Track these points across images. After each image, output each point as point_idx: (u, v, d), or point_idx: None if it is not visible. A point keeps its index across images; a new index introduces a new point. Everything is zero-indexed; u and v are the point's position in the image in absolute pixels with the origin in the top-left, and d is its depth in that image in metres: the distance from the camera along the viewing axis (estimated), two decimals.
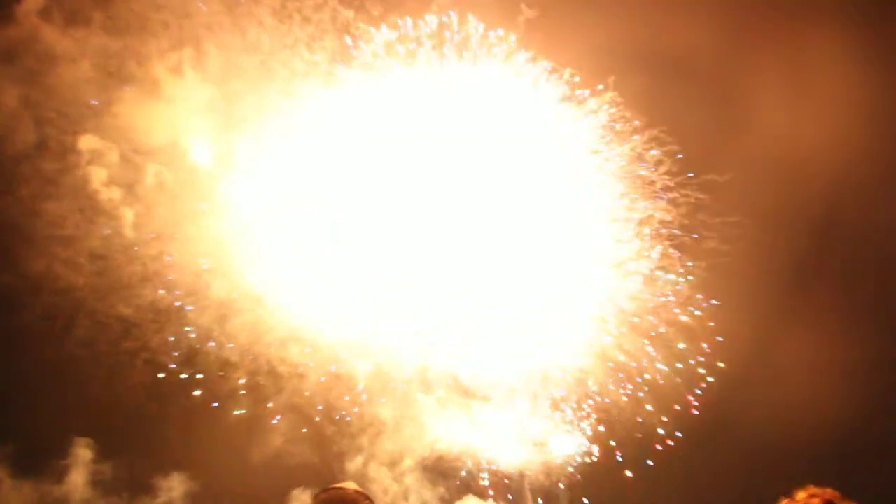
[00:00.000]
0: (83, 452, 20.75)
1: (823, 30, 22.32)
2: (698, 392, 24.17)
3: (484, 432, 25.47)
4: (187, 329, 21.53)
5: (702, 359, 24.11)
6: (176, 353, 21.61)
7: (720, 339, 23.95)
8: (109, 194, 19.27)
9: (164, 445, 22.32)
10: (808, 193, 23.19)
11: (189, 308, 21.35)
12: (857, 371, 23.53)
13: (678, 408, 24.24)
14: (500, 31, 21.65)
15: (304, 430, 23.96)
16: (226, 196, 20.47)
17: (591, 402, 24.83)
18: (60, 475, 20.59)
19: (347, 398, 23.82)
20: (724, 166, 23.01)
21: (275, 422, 23.12)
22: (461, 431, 25.26)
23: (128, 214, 19.59)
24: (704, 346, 23.88)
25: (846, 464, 23.05)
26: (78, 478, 20.48)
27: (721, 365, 23.61)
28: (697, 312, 24.02)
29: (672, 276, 24.14)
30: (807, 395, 22.99)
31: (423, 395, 24.57)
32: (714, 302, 23.88)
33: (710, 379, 24.11)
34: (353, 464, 24.88)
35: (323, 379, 23.43)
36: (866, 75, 22.14)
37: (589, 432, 25.30)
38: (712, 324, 23.64)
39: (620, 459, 24.59)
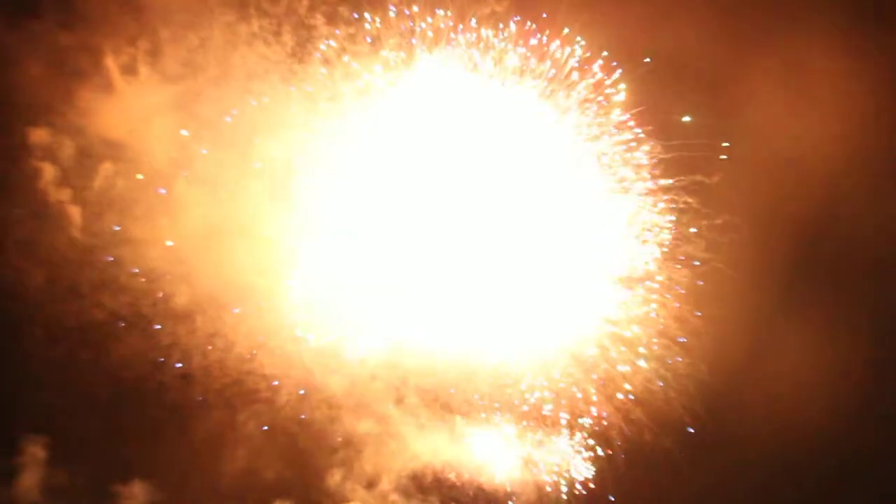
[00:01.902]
0: (36, 451, 20.02)
1: (817, 32, 21.99)
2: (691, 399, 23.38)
3: (468, 448, 24.55)
4: (148, 337, 20.82)
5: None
6: (138, 363, 20.88)
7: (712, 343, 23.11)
8: (60, 196, 18.57)
9: (126, 454, 21.59)
10: (801, 195, 22.65)
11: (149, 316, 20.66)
12: (853, 373, 22.96)
13: (670, 417, 23.37)
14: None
15: (279, 445, 23.26)
16: (183, 198, 19.68)
17: (579, 414, 24.10)
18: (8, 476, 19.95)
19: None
20: (715, 168, 22.40)
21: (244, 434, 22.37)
22: (443, 448, 24.37)
23: (79, 217, 18.83)
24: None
25: (845, 466, 22.94)
26: (30, 479, 19.66)
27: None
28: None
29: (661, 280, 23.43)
30: (803, 399, 22.75)
31: (401, 410, 23.69)
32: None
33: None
34: (332, 480, 24.14)
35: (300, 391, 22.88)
36: (860, 77, 21.87)
37: (580, 448, 24.42)
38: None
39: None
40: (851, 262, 23.54)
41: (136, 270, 20.10)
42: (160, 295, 20.68)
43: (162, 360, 21.21)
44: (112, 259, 19.75)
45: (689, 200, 22.26)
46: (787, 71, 22.43)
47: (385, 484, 24.20)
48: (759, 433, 23.54)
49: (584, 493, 24.15)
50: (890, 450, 23.19)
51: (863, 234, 23.15)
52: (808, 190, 22.52)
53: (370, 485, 24.13)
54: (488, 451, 24.50)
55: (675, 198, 22.31)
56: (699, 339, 22.97)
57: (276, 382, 22.50)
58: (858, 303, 23.53)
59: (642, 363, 23.36)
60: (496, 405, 23.98)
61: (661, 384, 23.38)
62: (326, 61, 19.45)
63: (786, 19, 22.41)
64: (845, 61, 21.74)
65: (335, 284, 21.89)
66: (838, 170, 22.27)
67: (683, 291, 22.92)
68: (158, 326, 20.99)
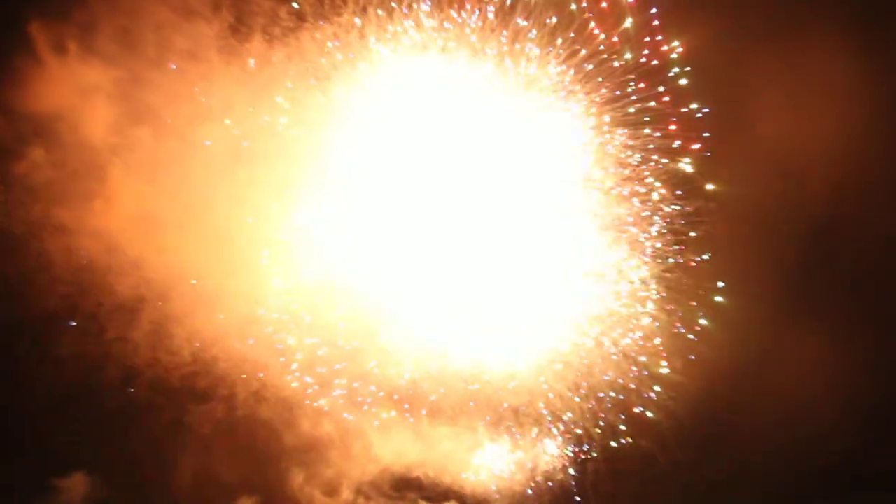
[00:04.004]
0: None
1: (824, 32, 21.15)
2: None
3: (439, 449, 23.57)
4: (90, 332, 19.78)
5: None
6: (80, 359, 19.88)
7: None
8: None
9: (69, 452, 20.71)
10: (807, 195, 21.94)
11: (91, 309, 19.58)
12: (858, 374, 22.13)
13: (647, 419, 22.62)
14: None
15: (235, 446, 22.26)
16: (120, 184, 18.56)
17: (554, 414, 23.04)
18: None
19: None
20: (721, 169, 21.53)
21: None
22: (411, 448, 23.43)
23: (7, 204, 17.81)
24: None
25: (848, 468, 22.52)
26: None
27: None
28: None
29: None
30: (807, 400, 22.15)
31: (364, 410, 22.72)
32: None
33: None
34: (294, 482, 23.19)
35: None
36: (866, 78, 21.12)
37: (557, 448, 23.58)
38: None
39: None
40: (861, 261, 22.81)
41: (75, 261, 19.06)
42: (103, 287, 19.67)
43: (106, 355, 20.27)
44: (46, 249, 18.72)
45: (662, 191, 21.22)
46: (799, 72, 21.72)
47: (349, 484, 23.35)
48: (741, 433, 23.11)
49: (562, 493, 23.55)
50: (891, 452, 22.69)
51: (873, 232, 22.39)
52: (817, 189, 21.91)
53: (333, 488, 23.24)
54: (460, 452, 23.55)
55: (648, 191, 21.26)
56: (676, 339, 22.11)
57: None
58: (868, 301, 22.94)
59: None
60: (470, 404, 23.01)
61: (637, 383, 22.48)
62: (269, 39, 18.22)
63: (799, 20, 21.65)
64: (858, 62, 21.03)
65: (292, 277, 20.84)
66: (838, 167, 21.58)
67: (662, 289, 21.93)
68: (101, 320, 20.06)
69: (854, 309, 22.62)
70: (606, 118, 21.05)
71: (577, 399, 22.75)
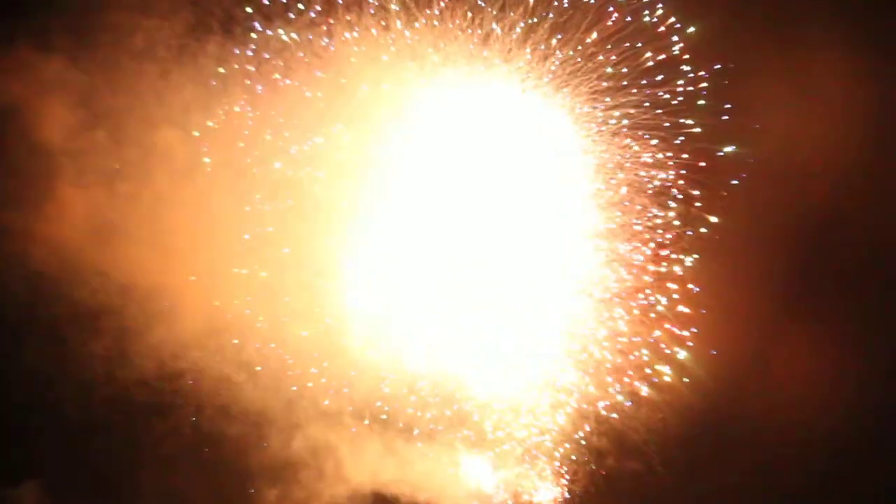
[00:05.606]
0: None
1: (822, 29, 20.76)
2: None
3: (416, 469, 22.82)
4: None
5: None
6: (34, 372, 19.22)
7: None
8: None
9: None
10: (806, 195, 21.41)
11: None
12: (857, 378, 21.60)
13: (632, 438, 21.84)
14: None
15: (201, 467, 21.56)
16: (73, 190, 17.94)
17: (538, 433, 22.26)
18: None
19: None
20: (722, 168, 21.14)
21: None
22: (387, 466, 22.70)
23: None
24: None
25: (846, 472, 21.64)
26: None
27: None
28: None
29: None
30: (805, 404, 21.55)
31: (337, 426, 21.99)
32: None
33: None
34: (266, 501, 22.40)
35: None
36: (867, 75, 20.60)
37: (540, 469, 22.73)
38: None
39: None
40: (860, 263, 22.14)
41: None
42: (57, 296, 18.99)
43: (63, 368, 19.59)
44: None
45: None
46: (798, 69, 21.20)
47: None
48: (763, 438, 22.23)
49: None
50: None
51: (872, 233, 21.84)
52: (816, 189, 21.47)
53: None
54: (439, 471, 22.84)
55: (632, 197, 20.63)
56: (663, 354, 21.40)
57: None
58: (867, 303, 22.17)
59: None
60: (440, 424, 22.29)
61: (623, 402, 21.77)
62: (232, 38, 17.62)
63: (797, 19, 21.21)
64: (858, 59, 20.62)
65: (255, 285, 20.14)
66: (847, 169, 21.09)
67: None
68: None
69: (852, 314, 21.97)
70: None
71: (560, 419, 22.14)
